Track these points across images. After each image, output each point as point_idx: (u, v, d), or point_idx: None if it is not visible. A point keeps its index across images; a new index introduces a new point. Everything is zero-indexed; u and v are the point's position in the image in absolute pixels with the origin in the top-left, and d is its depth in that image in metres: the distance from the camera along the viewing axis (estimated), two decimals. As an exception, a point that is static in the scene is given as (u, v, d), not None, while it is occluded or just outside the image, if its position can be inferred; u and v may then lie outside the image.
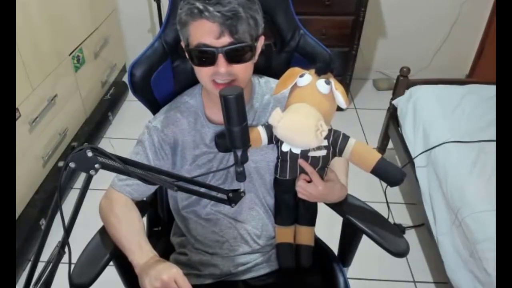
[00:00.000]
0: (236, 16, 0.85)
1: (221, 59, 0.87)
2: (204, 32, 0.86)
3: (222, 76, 0.89)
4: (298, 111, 0.89)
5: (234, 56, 0.88)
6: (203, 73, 0.92)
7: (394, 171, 0.95)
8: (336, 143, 0.96)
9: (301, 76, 0.92)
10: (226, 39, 0.86)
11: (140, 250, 0.92)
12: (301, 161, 0.98)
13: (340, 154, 0.97)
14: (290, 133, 0.90)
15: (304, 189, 0.99)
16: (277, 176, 1.04)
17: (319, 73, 0.92)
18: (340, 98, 0.91)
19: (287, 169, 1.01)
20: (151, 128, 1.03)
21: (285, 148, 0.98)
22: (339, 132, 0.97)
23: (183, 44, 0.94)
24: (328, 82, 0.90)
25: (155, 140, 1.02)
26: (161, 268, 0.86)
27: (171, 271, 0.85)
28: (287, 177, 1.02)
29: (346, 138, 0.97)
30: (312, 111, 0.89)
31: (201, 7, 0.84)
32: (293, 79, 0.93)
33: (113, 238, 0.97)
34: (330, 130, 0.96)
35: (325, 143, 0.95)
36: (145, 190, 1.05)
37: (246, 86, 0.97)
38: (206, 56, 0.88)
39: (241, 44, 0.87)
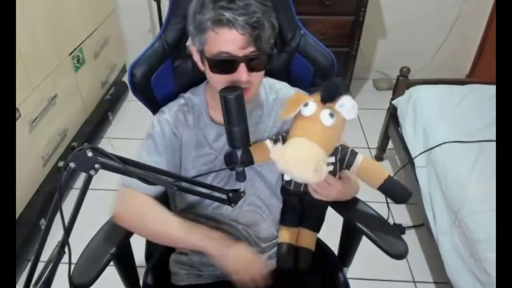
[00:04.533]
0: (261, 26, 0.84)
1: (243, 68, 0.86)
2: (229, 41, 0.84)
3: (242, 84, 0.88)
4: (298, 149, 0.86)
5: (255, 64, 0.88)
6: (219, 79, 0.89)
7: (401, 190, 0.97)
8: (343, 159, 0.95)
9: (306, 105, 0.89)
10: (250, 49, 0.85)
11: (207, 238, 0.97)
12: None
13: (348, 169, 0.97)
14: (290, 170, 0.86)
15: (323, 190, 0.97)
16: (284, 185, 1.07)
17: (324, 101, 0.89)
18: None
19: (291, 183, 1.04)
20: (162, 121, 1.01)
21: (287, 177, 1.00)
22: (346, 149, 0.96)
23: (195, 48, 0.92)
24: (332, 115, 0.87)
25: (166, 133, 1.00)
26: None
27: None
28: (292, 188, 1.04)
29: (353, 154, 0.96)
30: (312, 149, 0.86)
31: (230, 17, 0.82)
32: (297, 107, 0.89)
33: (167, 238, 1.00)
34: (337, 148, 0.95)
35: (332, 159, 0.93)
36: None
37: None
38: (227, 65, 0.87)
39: (262, 53, 0.87)
